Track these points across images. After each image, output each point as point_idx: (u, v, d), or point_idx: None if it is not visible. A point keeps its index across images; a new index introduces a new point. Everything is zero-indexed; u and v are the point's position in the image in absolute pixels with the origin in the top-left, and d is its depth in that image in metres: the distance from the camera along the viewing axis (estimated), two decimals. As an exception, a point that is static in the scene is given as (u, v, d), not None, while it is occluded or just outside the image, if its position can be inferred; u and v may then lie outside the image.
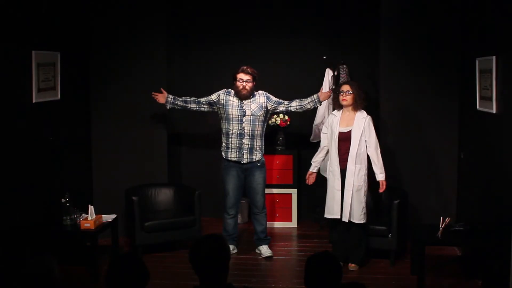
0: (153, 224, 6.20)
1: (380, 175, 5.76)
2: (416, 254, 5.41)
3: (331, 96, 6.21)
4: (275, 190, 7.22)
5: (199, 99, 6.32)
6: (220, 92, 6.23)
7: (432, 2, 6.43)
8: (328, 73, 6.98)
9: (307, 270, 3.21)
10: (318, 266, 3.20)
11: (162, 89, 6.38)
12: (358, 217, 5.74)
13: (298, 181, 7.34)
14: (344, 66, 6.90)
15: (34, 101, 5.48)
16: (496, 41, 5.23)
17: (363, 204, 5.75)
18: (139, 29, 6.70)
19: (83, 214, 5.69)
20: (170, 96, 6.35)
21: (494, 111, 5.18)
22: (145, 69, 6.75)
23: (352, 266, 5.85)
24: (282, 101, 6.27)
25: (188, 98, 6.35)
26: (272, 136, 7.34)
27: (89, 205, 5.75)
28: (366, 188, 5.78)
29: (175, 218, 6.36)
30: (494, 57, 5.14)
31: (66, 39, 6.15)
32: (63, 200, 5.60)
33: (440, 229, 5.30)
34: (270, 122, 7.26)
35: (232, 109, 6.12)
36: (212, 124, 7.27)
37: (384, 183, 5.79)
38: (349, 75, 6.87)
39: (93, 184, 6.79)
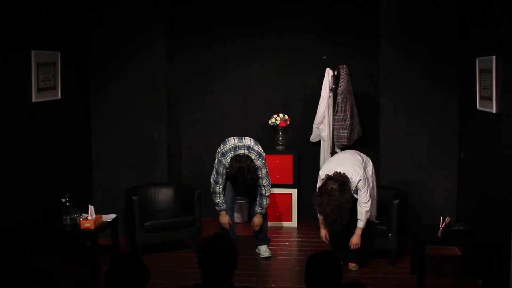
0: (153, 224, 6.20)
1: (360, 222, 5.63)
2: (416, 254, 5.41)
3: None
4: (275, 190, 7.20)
5: (221, 186, 6.06)
6: (225, 164, 5.96)
7: (432, 2, 6.43)
8: (328, 73, 6.99)
9: (307, 270, 3.22)
10: (318, 266, 3.20)
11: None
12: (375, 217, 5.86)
13: (298, 181, 7.34)
14: (344, 66, 6.91)
15: (34, 101, 5.48)
16: (496, 41, 5.23)
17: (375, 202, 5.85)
18: (139, 29, 6.70)
19: (83, 214, 5.69)
20: (223, 206, 6.16)
21: (494, 111, 5.18)
22: (145, 70, 6.74)
23: (352, 266, 5.85)
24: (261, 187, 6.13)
25: (221, 194, 6.11)
26: (272, 136, 7.35)
27: (89, 205, 5.75)
28: (373, 182, 5.78)
29: (175, 218, 6.37)
30: (494, 57, 5.14)
31: (66, 39, 6.15)
32: (63, 200, 5.61)
33: (440, 229, 5.30)
34: (270, 122, 7.26)
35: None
36: (212, 124, 7.28)
37: (359, 232, 5.64)
38: (349, 75, 6.87)
39: (93, 184, 6.78)
